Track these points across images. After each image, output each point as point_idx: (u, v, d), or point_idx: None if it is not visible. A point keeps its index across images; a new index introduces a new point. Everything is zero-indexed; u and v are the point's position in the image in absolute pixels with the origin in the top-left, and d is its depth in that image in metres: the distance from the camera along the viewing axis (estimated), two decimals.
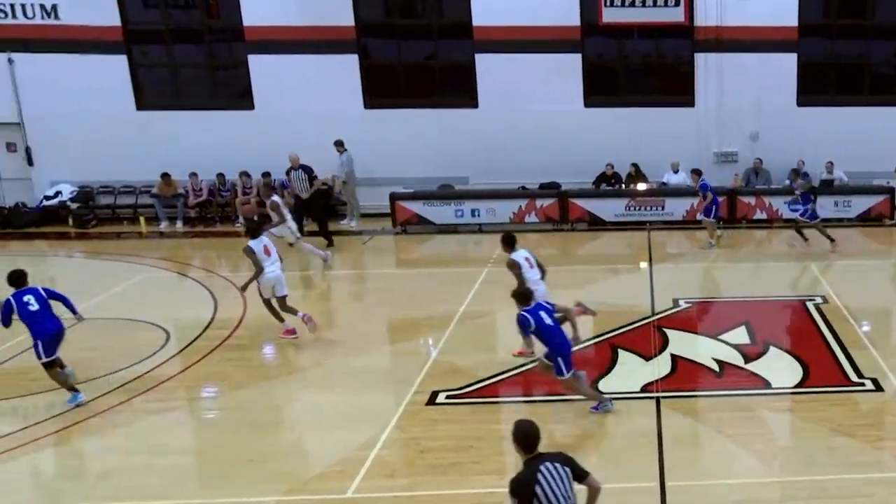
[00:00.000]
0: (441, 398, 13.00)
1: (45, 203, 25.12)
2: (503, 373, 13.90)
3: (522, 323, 12.39)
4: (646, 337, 15.34)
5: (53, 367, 13.11)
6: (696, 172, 21.68)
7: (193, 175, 24.64)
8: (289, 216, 19.41)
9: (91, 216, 25.14)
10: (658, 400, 12.87)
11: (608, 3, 24.57)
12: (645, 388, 13.32)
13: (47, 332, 13.00)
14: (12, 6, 24.54)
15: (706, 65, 25.41)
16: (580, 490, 7.77)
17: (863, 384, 13.42)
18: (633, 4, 24.64)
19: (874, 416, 12.47)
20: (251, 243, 15.41)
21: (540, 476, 7.40)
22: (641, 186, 24.60)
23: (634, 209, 24.00)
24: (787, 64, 25.44)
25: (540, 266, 14.64)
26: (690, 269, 20.35)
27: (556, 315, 12.70)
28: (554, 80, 25.09)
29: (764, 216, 24.13)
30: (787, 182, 23.96)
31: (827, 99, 25.80)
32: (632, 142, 25.02)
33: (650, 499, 10.30)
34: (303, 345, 15.24)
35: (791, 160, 24.97)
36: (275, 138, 24.17)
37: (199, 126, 24.89)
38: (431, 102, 25.45)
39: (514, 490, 7.42)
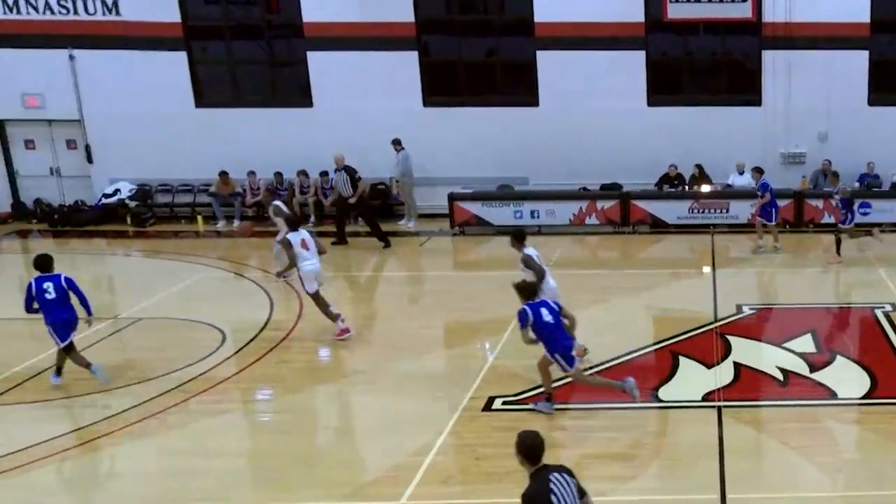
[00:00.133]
0: (497, 404, 12.80)
1: (104, 201, 25.23)
2: (560, 379, 13.59)
3: (521, 315, 12.31)
4: (708, 344, 15.00)
5: (71, 350, 13.46)
6: (758, 170, 21.26)
7: (251, 174, 24.59)
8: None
9: (149, 215, 25.22)
10: (720, 409, 12.56)
11: None
12: (706, 397, 13.02)
13: (58, 319, 13.33)
14: (74, 2, 24.66)
15: (774, 62, 24.88)
16: None
17: None
18: (699, 0, 24.17)
19: None
20: (290, 236, 15.68)
21: (552, 486, 7.27)
22: (705, 188, 24.17)
23: (698, 211, 23.59)
24: (858, 62, 24.83)
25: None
26: (755, 274, 19.97)
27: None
28: (617, 77, 24.71)
29: (832, 220, 23.52)
30: (829, 187, 23.30)
31: None
32: (696, 142, 24.60)
33: None
34: (358, 347, 15.12)
35: (861, 161, 24.45)
36: (333, 136, 24.08)
37: (258, 124, 24.87)
38: (491, 101, 25.19)
39: (528, 499, 7.25)
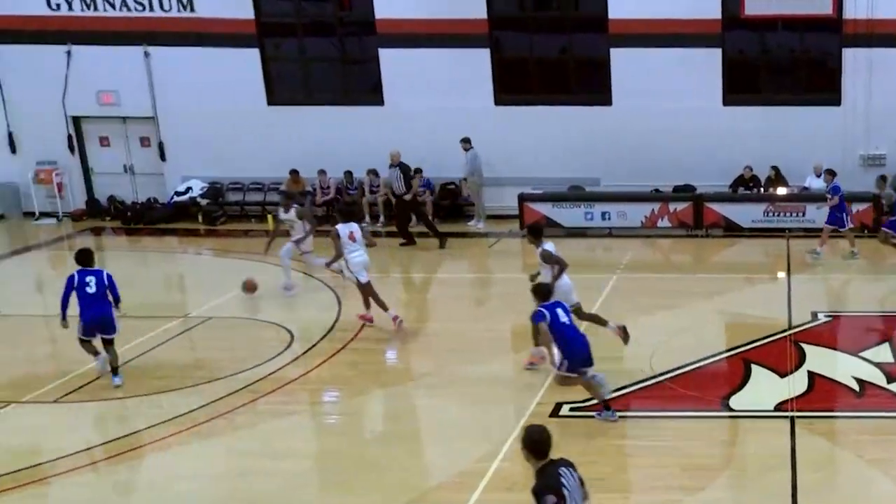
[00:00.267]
0: (565, 410, 12.66)
1: (176, 199, 25.35)
2: (630, 385, 13.49)
3: (537, 317, 12.29)
4: (782, 352, 14.68)
5: (86, 343, 13.79)
6: (830, 173, 20.82)
7: (321, 172, 24.60)
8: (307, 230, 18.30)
9: (220, 213, 25.28)
10: (793, 420, 12.30)
11: None
12: (779, 407, 12.75)
13: (92, 316, 13.58)
14: None
15: (854, 60, 24.22)
16: None
17: None
18: None
19: None
20: (339, 227, 15.92)
21: (563, 479, 7.24)
22: (781, 191, 23.66)
23: (773, 215, 23.13)
24: None
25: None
26: (831, 281, 19.55)
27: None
28: (692, 76, 24.21)
29: None
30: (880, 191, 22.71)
31: None
32: (772, 143, 24.04)
33: None
34: (425, 351, 15.06)
35: None
36: (403, 135, 23.96)
37: (328, 122, 24.84)
38: (563, 99, 24.85)
39: (545, 491, 7.16)
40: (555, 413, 12.57)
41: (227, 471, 11.33)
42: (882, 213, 21.59)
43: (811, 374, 13.78)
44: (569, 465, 7.45)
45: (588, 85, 25.26)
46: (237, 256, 21.04)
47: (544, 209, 23.31)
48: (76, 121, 26.02)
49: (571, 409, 12.67)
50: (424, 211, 23.18)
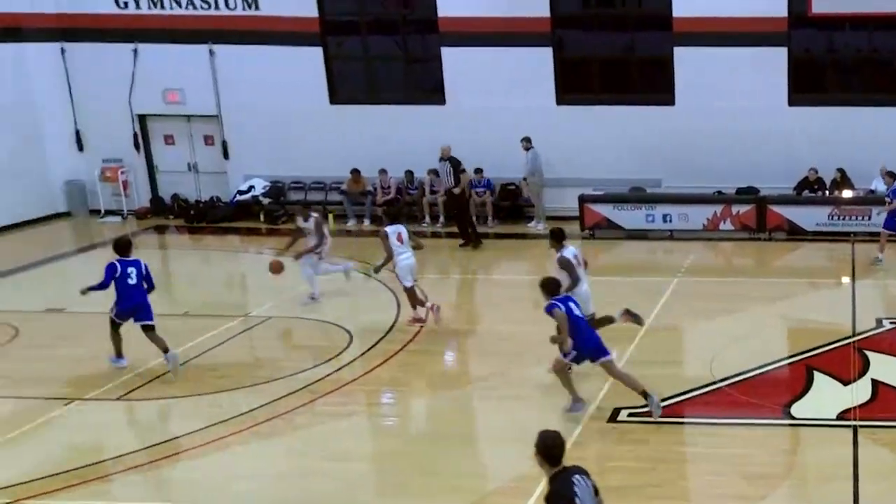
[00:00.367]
0: (623, 415, 12.58)
1: (239, 198, 25.47)
2: (691, 391, 13.37)
3: (553, 311, 12.26)
4: (845, 359, 14.45)
5: (117, 328, 14.31)
6: (892, 175, 20.41)
7: (382, 172, 24.57)
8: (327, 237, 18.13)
9: (281, 212, 25.30)
10: (855, 429, 12.12)
11: None
12: (842, 416, 12.56)
13: (130, 305, 14.15)
14: None
15: None
16: None
17: None
18: None
19: None
20: (387, 228, 16.04)
21: (576, 488, 7.10)
22: (847, 194, 23.24)
23: (838, 218, 22.76)
24: None
25: (584, 264, 14.46)
26: None
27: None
28: (757, 75, 23.84)
29: None
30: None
31: None
32: (839, 144, 23.56)
33: None
34: (484, 353, 15.05)
35: None
36: (464, 134, 23.93)
37: (390, 121, 24.82)
38: (626, 99, 24.62)
39: (556, 496, 7.11)
40: (612, 418, 12.50)
41: (285, 471, 11.43)
42: None
43: (875, 383, 13.55)
44: (583, 472, 7.33)
45: (651, 84, 24.99)
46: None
47: (605, 211, 23.14)
48: (142, 119, 26.28)
49: (629, 415, 12.56)
50: (468, 209, 23.10)
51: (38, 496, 10.55)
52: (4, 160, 24.50)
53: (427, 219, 24.37)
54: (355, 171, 24.75)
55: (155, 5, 25.22)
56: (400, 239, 15.96)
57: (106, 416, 13.12)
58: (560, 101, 24.75)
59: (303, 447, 12.02)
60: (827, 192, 23.44)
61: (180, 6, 25.19)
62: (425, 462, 11.47)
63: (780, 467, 11.30)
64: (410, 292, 16.14)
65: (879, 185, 23.12)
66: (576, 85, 24.98)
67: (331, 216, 24.47)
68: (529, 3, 24.10)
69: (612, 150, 24.27)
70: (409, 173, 24.72)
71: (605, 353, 12.54)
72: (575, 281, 13.73)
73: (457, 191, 22.53)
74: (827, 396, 13.18)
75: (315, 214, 17.93)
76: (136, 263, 14.30)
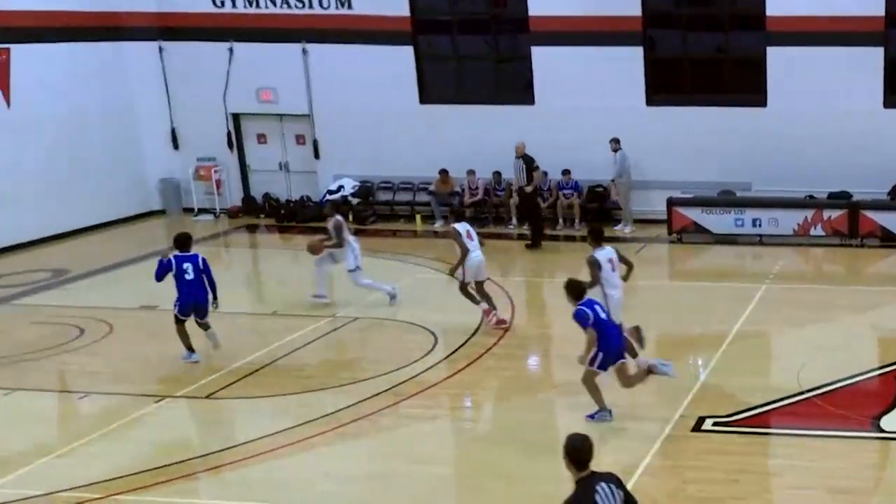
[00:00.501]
0: (708, 425, 12.48)
1: (328, 197, 25.29)
2: (778, 401, 13.20)
3: (581, 316, 12.18)
4: None
5: (181, 324, 14.72)
6: None
7: (471, 172, 24.58)
8: (353, 242, 17.84)
9: (370, 212, 25.49)
10: None
11: None
12: None
13: (188, 300, 14.59)
14: None
15: None
16: None
17: None
18: None
19: None
20: (456, 226, 16.18)
21: (597, 497, 6.86)
22: None
23: None
24: None
25: (627, 263, 14.28)
26: None
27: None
28: (851, 76, 23.31)
29: None
30: None
31: None
32: None
33: None
34: (567, 359, 14.95)
35: None
36: (553, 135, 23.87)
37: (479, 121, 24.75)
38: (717, 100, 24.22)
39: None
40: (697, 427, 12.40)
41: (368, 473, 11.55)
42: None
43: None
44: (612, 480, 7.09)
45: (743, 85, 24.57)
46: (385, 256, 21.27)
47: (693, 214, 22.87)
48: (236, 118, 26.57)
49: (714, 424, 12.47)
50: (539, 209, 23.05)
51: (128, 492, 10.82)
52: (102, 158, 24.90)
53: (514, 220, 24.28)
54: (443, 172, 24.76)
55: (251, 4, 25.47)
56: (469, 236, 16.20)
57: (195, 414, 13.50)
58: (650, 102, 24.49)
59: (386, 449, 12.14)
60: None
61: (275, 5, 25.41)
62: (505, 467, 11.48)
63: (868, 482, 11.11)
64: (465, 289, 16.32)
65: None
66: (666, 85, 24.71)
67: (418, 217, 24.59)
68: (621, 2, 23.90)
69: (702, 152, 23.97)
70: (497, 174, 24.59)
71: (622, 357, 12.61)
72: (594, 282, 13.62)
73: (528, 189, 22.53)
74: None
75: (336, 217, 17.83)
76: (194, 258, 14.73)
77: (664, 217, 23.18)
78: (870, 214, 22.42)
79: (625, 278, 14.34)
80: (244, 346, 15.55)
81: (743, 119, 23.88)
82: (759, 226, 22.65)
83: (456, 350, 15.39)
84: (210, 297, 14.76)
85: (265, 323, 17.02)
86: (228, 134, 26.54)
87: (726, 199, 23.19)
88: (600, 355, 12.25)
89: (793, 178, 23.36)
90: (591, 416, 12.55)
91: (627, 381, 12.71)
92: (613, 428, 12.40)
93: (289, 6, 25.37)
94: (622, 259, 14.25)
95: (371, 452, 12.13)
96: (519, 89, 25.44)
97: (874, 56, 23.46)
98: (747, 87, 24.39)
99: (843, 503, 10.54)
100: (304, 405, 13.35)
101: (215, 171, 26.45)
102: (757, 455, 11.85)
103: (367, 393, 13.57)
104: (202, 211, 26.48)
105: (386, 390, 13.68)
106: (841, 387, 13.65)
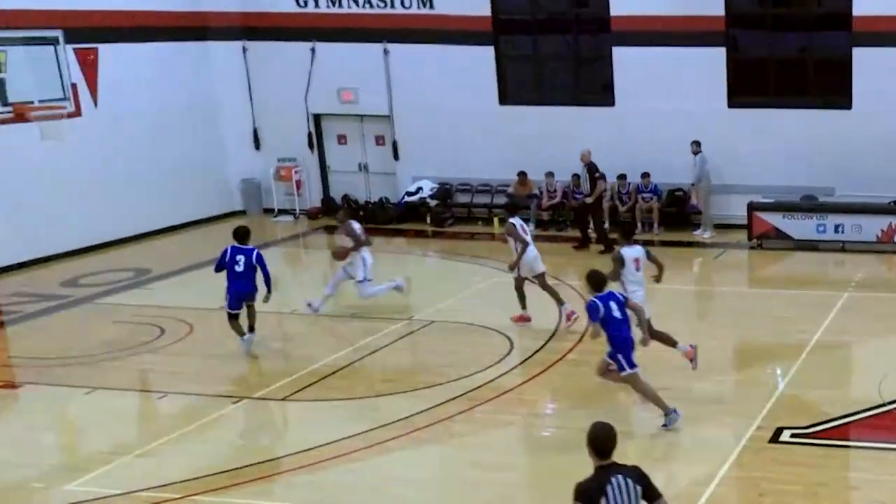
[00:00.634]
0: (786, 436, 12.30)
1: (407, 199, 25.69)
2: (858, 413, 12.95)
3: (591, 308, 12.18)
4: None
5: (232, 318, 15.25)
6: None
7: (549, 175, 24.42)
8: (366, 252, 17.67)
9: (448, 215, 25.50)
10: None
11: None
12: None
13: (236, 291, 15.15)
14: None
15: None
16: None
17: None
18: None
19: None
20: (512, 220, 16.25)
21: (609, 488, 6.90)
22: None
23: None
24: None
25: (658, 264, 14.36)
26: None
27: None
28: None
29: None
30: None
31: None
32: None
33: None
34: (643, 365, 14.80)
35: None
36: (632, 136, 23.78)
37: (558, 123, 24.58)
38: (800, 102, 23.82)
39: (578, 496, 6.95)
40: (774, 439, 12.23)
41: (441, 478, 11.62)
42: None
43: None
44: (631, 474, 7.11)
45: (827, 86, 24.11)
46: (463, 260, 21.32)
47: (774, 220, 22.48)
48: (317, 118, 26.76)
49: (793, 436, 12.29)
50: (601, 216, 22.93)
51: (205, 493, 10.98)
52: (185, 158, 25.24)
53: (591, 223, 24.09)
54: (522, 174, 24.72)
55: (333, 4, 25.61)
56: (523, 229, 16.38)
57: (272, 416, 13.67)
58: (732, 104, 24.14)
59: (460, 455, 12.16)
60: None
61: (357, 5, 25.52)
62: (580, 475, 11.40)
63: None
64: (519, 283, 16.48)
65: None
66: (748, 87, 24.36)
67: (496, 220, 24.51)
68: (704, 2, 23.63)
69: (784, 156, 23.61)
70: (576, 177, 24.20)
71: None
72: (615, 276, 13.61)
73: (589, 200, 22.52)
74: None
75: (349, 223, 17.76)
76: (248, 252, 15.16)
77: (744, 222, 22.80)
78: None
79: (657, 279, 14.48)
80: (322, 349, 15.73)
81: (827, 122, 23.48)
82: (842, 232, 22.20)
83: (532, 355, 15.38)
84: (257, 290, 15.27)
85: (343, 325, 17.15)
86: (309, 134, 26.72)
87: (808, 205, 22.77)
88: (620, 357, 12.29)
89: (877, 182, 22.86)
90: (665, 425, 12.50)
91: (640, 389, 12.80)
92: (690, 437, 12.29)
93: (371, 6, 25.48)
94: (653, 259, 14.32)
95: (444, 458, 12.18)
96: (599, 90, 25.27)
97: None
98: (832, 89, 23.96)
99: None
100: (378, 409, 13.44)
101: (296, 172, 26.63)
102: (836, 468, 11.66)
103: (441, 397, 13.59)
104: (282, 212, 26.71)
105: (460, 395, 13.69)
106: None
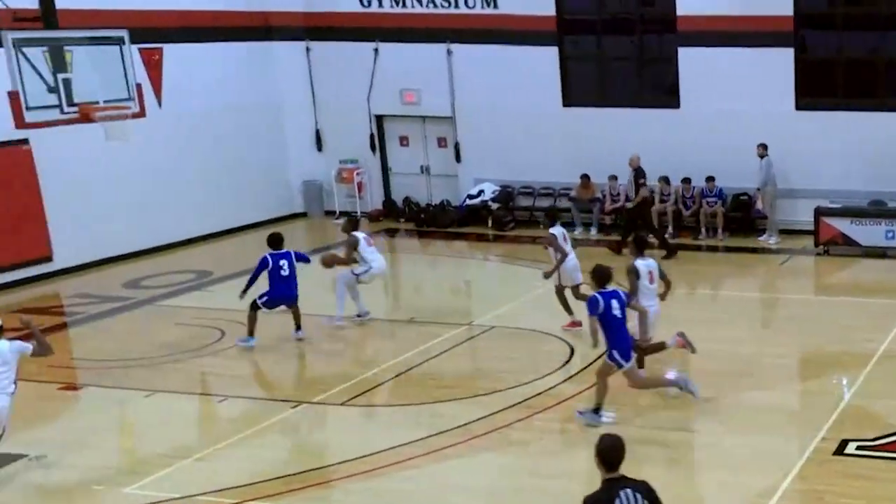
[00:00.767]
0: (851, 448, 12.03)
1: (468, 202, 25.54)
2: None
3: (592, 303, 12.43)
4: None
5: (255, 311, 15.76)
6: None
7: (612, 178, 24.12)
8: (369, 255, 17.12)
9: (509, 218, 25.29)
10: None
11: None
12: None
13: (281, 294, 15.78)
14: None
15: None
16: None
17: None
18: None
19: None
20: (553, 230, 16.20)
21: (618, 502, 6.83)
22: None
23: None
24: None
25: (666, 281, 14.20)
26: None
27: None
28: None
29: None
30: None
31: None
32: None
33: None
34: (704, 374, 14.68)
35: None
36: (698, 140, 23.45)
37: (621, 125, 24.32)
38: (871, 104, 23.33)
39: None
40: (839, 451, 11.96)
41: (498, 487, 11.47)
42: None
43: None
44: (640, 488, 7.03)
45: None
46: (524, 264, 21.16)
47: (841, 225, 22.05)
48: (379, 119, 26.74)
49: (858, 448, 12.02)
50: (649, 219, 22.57)
51: (261, 498, 10.97)
52: (248, 159, 25.39)
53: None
54: (585, 177, 24.48)
55: (397, 3, 25.59)
56: (565, 238, 16.39)
57: (330, 421, 13.63)
58: (799, 106, 23.71)
59: (517, 463, 12.04)
60: None
61: (421, 4, 25.45)
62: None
63: None
64: (560, 293, 16.50)
65: None
66: (817, 88, 23.90)
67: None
68: (772, 1, 23.23)
69: (853, 160, 23.11)
70: (614, 179, 24.16)
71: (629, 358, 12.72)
72: (633, 291, 13.53)
73: (629, 205, 22.31)
74: None
75: (352, 234, 17.20)
76: (287, 255, 15.71)
77: (810, 228, 22.42)
78: None
79: (662, 296, 14.27)
80: (381, 353, 15.74)
81: None
82: None
83: (592, 362, 15.13)
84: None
85: (402, 330, 17.12)
86: (371, 136, 26.71)
87: (877, 210, 22.29)
88: (615, 353, 12.45)
89: None
90: (581, 413, 12.81)
91: (639, 383, 13.12)
92: (753, 448, 12.08)
93: (434, 5, 25.40)
94: (662, 276, 14.17)
95: (501, 466, 12.04)
96: (664, 92, 25.01)
97: None
98: None
99: None
100: (436, 415, 13.34)
101: (357, 174, 26.64)
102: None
103: (500, 405, 13.48)
104: (343, 214, 26.58)
105: (519, 402, 13.58)
106: None
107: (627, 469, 11.50)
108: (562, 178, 25.02)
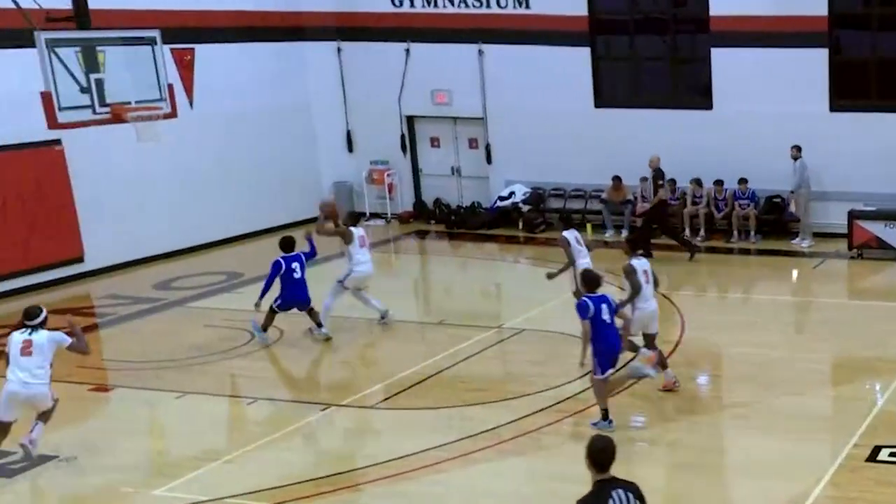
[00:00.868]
0: (884, 455, 11.89)
1: (499, 204, 25.42)
2: None
3: (582, 306, 12.36)
4: None
5: (274, 314, 16.06)
6: None
7: (644, 180, 23.80)
8: (360, 255, 16.95)
9: (540, 220, 25.14)
10: None
11: None
12: None
13: (294, 296, 16.06)
14: None
15: None
16: None
17: None
18: None
19: None
20: (565, 233, 16.19)
21: (610, 500, 6.82)
22: None
23: None
24: None
25: (654, 279, 14.07)
26: None
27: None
28: None
29: None
30: None
31: None
32: None
33: None
34: (737, 378, 14.62)
35: None
36: (731, 142, 23.27)
37: (654, 126, 24.13)
38: None
39: None
40: (872, 457, 11.84)
41: (526, 492, 11.45)
42: None
43: None
44: (631, 489, 7.02)
45: None
46: (555, 266, 20.90)
47: (875, 229, 21.79)
48: (409, 120, 26.69)
49: (891, 455, 11.88)
50: (666, 221, 22.50)
51: (291, 501, 10.98)
52: (279, 160, 25.37)
53: (687, 231, 23.58)
54: (616, 179, 24.30)
55: (428, 4, 25.55)
56: (579, 242, 16.35)
57: (359, 424, 13.63)
58: (834, 108, 23.48)
59: (547, 468, 12.00)
60: None
61: (452, 5, 25.39)
62: (671, 491, 11.24)
63: None
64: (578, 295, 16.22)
65: None
66: (852, 90, 23.66)
67: (588, 226, 24.17)
68: (806, 1, 23.02)
69: (888, 162, 22.78)
70: (672, 182, 23.89)
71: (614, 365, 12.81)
72: (635, 291, 13.52)
73: (645, 206, 22.26)
74: None
75: (350, 229, 17.03)
76: (298, 258, 16.00)
77: (844, 231, 22.18)
78: None
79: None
80: (410, 356, 15.67)
81: None
82: None
83: (622, 367, 15.09)
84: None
85: (432, 332, 17.10)
86: (402, 137, 26.67)
87: None
88: (596, 360, 12.49)
89: None
90: (595, 424, 12.68)
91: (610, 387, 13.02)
92: (784, 454, 11.98)
93: (466, 6, 25.34)
94: (652, 273, 14.17)
95: (530, 471, 12.04)
96: (697, 93, 24.82)
97: None
98: None
99: None
100: (466, 419, 13.31)
101: (388, 175, 26.60)
102: None
103: (529, 408, 13.43)
104: (374, 215, 26.70)
105: (549, 406, 13.53)
106: None
107: (659, 475, 11.56)
108: (593, 180, 24.87)
